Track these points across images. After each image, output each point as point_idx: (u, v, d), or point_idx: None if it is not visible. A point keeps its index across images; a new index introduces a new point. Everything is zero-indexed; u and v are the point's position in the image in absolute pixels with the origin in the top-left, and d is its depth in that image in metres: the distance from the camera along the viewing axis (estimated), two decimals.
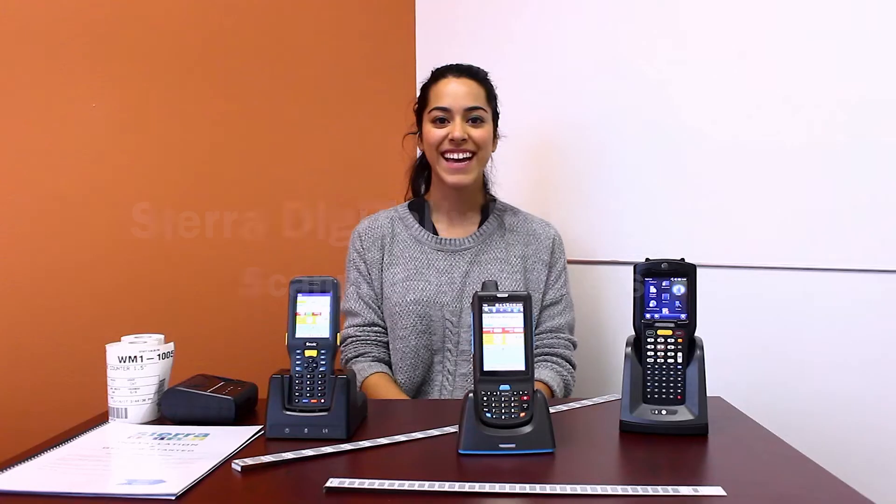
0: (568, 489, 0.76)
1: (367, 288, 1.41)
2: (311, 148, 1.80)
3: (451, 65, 1.41)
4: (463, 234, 1.43)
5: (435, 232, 1.43)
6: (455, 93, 1.36)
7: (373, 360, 1.39)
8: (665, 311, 0.98)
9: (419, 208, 1.46)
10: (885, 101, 1.37)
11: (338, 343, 0.98)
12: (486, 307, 0.91)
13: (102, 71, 1.46)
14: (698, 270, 0.98)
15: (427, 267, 1.39)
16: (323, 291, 0.98)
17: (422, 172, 1.50)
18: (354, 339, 1.41)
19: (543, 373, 1.34)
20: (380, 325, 1.41)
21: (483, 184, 1.48)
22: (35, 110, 1.38)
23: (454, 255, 1.40)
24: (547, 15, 1.75)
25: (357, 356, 1.39)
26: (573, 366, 1.41)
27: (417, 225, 1.43)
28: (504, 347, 0.90)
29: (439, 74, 1.40)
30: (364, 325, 1.41)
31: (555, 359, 1.38)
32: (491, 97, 1.42)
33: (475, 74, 1.40)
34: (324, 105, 1.82)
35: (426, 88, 1.41)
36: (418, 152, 1.50)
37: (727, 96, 1.52)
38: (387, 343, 1.42)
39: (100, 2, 1.45)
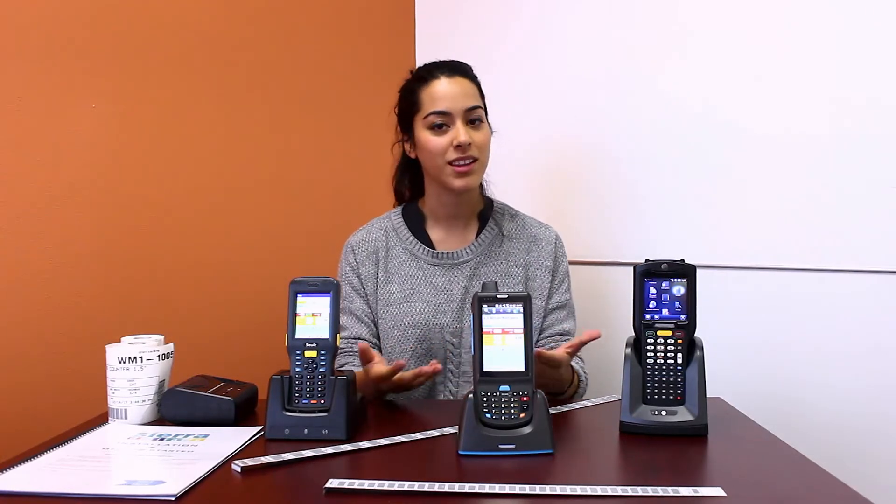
0: (568, 490, 0.76)
1: (360, 303, 1.35)
2: (311, 148, 1.80)
3: (437, 63, 1.32)
4: (460, 245, 1.36)
5: (431, 244, 1.36)
6: (452, 94, 1.27)
7: (351, 367, 1.30)
8: (665, 311, 0.98)
9: (413, 216, 1.39)
10: (887, 102, 1.37)
11: (337, 344, 0.98)
12: (485, 308, 0.91)
13: (102, 71, 1.46)
14: (698, 271, 0.98)
15: (424, 284, 1.33)
16: (323, 292, 0.98)
17: (405, 179, 1.42)
18: (340, 351, 1.29)
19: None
20: (367, 340, 1.33)
21: (479, 187, 1.40)
22: (34, 110, 1.38)
23: (452, 269, 1.34)
24: (547, 14, 1.75)
25: (341, 365, 1.30)
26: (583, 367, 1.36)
27: (412, 237, 1.36)
28: (504, 348, 0.91)
29: (428, 75, 1.30)
30: (350, 339, 1.33)
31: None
32: (481, 93, 1.33)
33: (466, 72, 1.32)
34: (324, 105, 1.82)
35: (415, 91, 1.31)
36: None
37: (727, 97, 1.52)
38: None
39: (99, 2, 1.45)
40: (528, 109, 1.77)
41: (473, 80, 1.33)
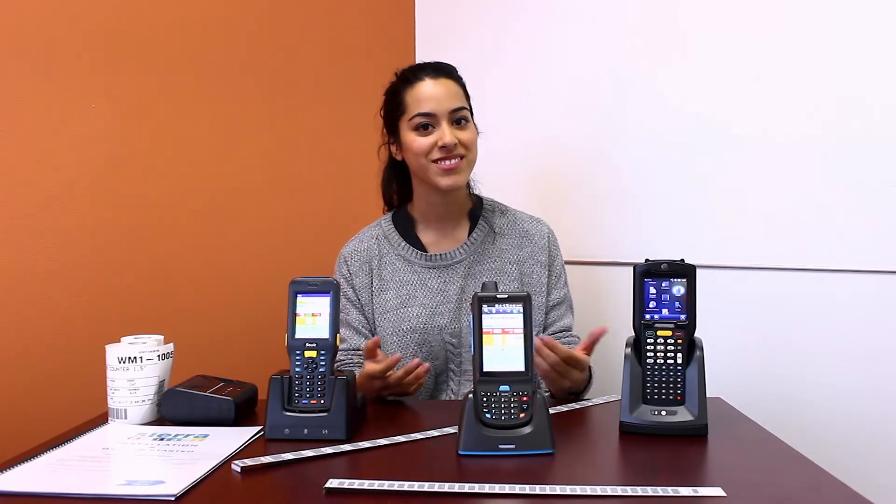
0: (568, 490, 0.76)
1: (356, 314, 1.36)
2: (311, 148, 1.80)
3: (421, 65, 1.33)
4: (453, 246, 1.37)
5: (423, 247, 1.37)
6: (437, 96, 1.28)
7: None
8: (665, 311, 0.98)
9: (403, 221, 1.39)
10: (886, 103, 1.37)
11: (337, 343, 0.98)
12: (485, 308, 0.91)
13: (102, 71, 1.46)
14: (698, 271, 0.98)
15: (419, 289, 1.34)
16: (323, 292, 0.98)
17: (392, 182, 1.43)
18: (339, 363, 1.34)
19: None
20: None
21: (467, 186, 1.40)
22: (34, 110, 1.38)
23: (446, 270, 1.34)
24: (547, 14, 1.75)
25: None
26: None
27: (404, 242, 1.36)
28: (504, 348, 0.90)
29: (412, 77, 1.31)
30: (349, 350, 1.35)
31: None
32: (467, 94, 1.34)
33: (451, 73, 1.32)
34: (323, 105, 1.82)
35: (400, 93, 1.32)
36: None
37: (726, 97, 1.52)
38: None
39: (99, 2, 1.45)
40: (528, 109, 1.77)
41: (458, 80, 1.33)
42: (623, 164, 1.65)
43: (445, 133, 1.27)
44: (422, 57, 1.92)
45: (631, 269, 0.99)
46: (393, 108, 1.34)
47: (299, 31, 1.78)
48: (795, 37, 1.45)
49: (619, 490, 0.76)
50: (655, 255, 1.01)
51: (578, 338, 1.39)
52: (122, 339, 1.09)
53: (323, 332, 0.97)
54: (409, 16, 1.94)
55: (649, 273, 0.99)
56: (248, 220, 1.70)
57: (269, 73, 1.73)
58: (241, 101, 1.68)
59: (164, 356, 1.08)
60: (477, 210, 1.40)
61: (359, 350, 1.36)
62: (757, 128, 1.49)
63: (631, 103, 1.64)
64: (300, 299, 0.98)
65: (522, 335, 0.90)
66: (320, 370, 0.97)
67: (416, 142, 1.29)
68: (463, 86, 1.34)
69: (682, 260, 0.99)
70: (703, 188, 1.56)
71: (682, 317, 0.98)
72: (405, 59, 1.91)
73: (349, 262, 1.38)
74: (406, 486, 0.77)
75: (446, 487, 0.76)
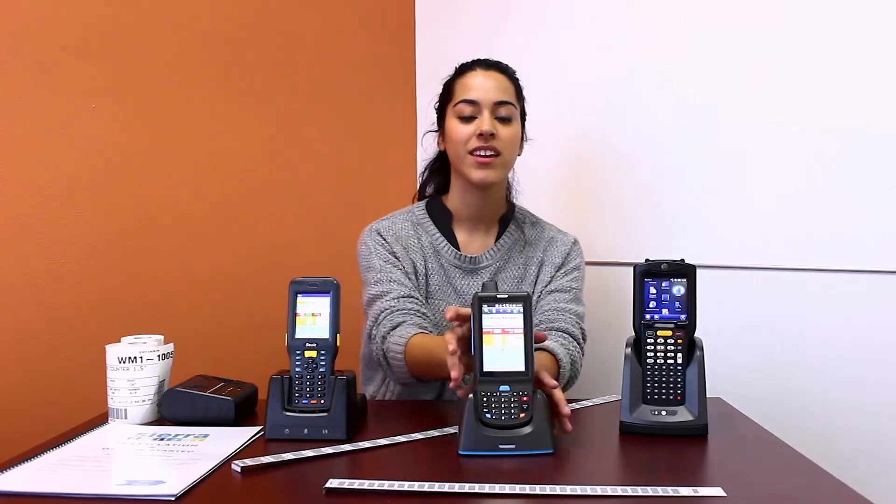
0: (568, 490, 0.76)
1: (400, 273, 1.29)
2: (311, 147, 1.80)
3: (478, 59, 1.33)
4: (482, 249, 1.36)
5: (455, 243, 1.35)
6: (484, 86, 1.27)
7: (411, 325, 1.22)
8: (665, 311, 0.98)
9: (438, 212, 1.37)
10: (887, 102, 1.37)
11: (337, 344, 0.98)
12: (485, 308, 0.91)
13: (102, 71, 1.46)
14: (698, 271, 0.98)
15: (445, 285, 1.33)
16: (323, 292, 0.98)
17: (433, 174, 1.42)
18: (390, 310, 1.24)
19: (546, 343, 1.18)
20: (417, 298, 1.28)
21: (507, 191, 1.41)
22: (34, 110, 1.38)
23: (472, 273, 1.34)
24: (546, 14, 1.75)
25: (394, 327, 1.22)
26: (581, 347, 1.27)
27: (438, 234, 1.35)
28: (504, 348, 0.90)
29: (466, 68, 1.32)
30: (401, 297, 1.26)
31: (559, 333, 1.25)
32: (520, 95, 1.33)
33: (504, 70, 1.32)
34: (324, 104, 1.82)
35: (451, 82, 1.33)
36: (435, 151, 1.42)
37: (729, 98, 1.52)
38: (427, 315, 1.28)
39: (99, 2, 1.45)
40: (527, 109, 1.76)
41: (511, 78, 1.33)
42: (623, 165, 1.65)
43: (485, 120, 1.26)
44: (421, 57, 1.92)
45: (631, 269, 1.00)
46: (443, 95, 1.35)
47: (299, 32, 1.78)
48: (796, 37, 1.45)
49: (619, 490, 0.76)
50: (655, 255, 1.01)
51: (577, 320, 1.29)
52: (122, 339, 1.09)
53: (323, 332, 0.97)
54: (409, 16, 1.94)
55: (649, 273, 0.99)
56: (248, 220, 1.70)
57: (268, 74, 1.72)
58: (240, 101, 1.68)
59: (164, 356, 1.08)
60: (509, 216, 1.39)
61: (411, 297, 1.27)
62: (757, 128, 1.49)
63: (632, 103, 1.64)
64: (300, 299, 0.97)
65: (522, 335, 0.90)
66: (320, 370, 0.97)
67: (455, 129, 1.28)
68: (517, 85, 1.34)
69: (682, 260, 0.99)
70: (703, 188, 1.56)
71: (683, 317, 0.98)
72: (405, 59, 1.92)
73: (384, 235, 1.34)
74: (406, 486, 0.77)
75: (446, 487, 0.76)
